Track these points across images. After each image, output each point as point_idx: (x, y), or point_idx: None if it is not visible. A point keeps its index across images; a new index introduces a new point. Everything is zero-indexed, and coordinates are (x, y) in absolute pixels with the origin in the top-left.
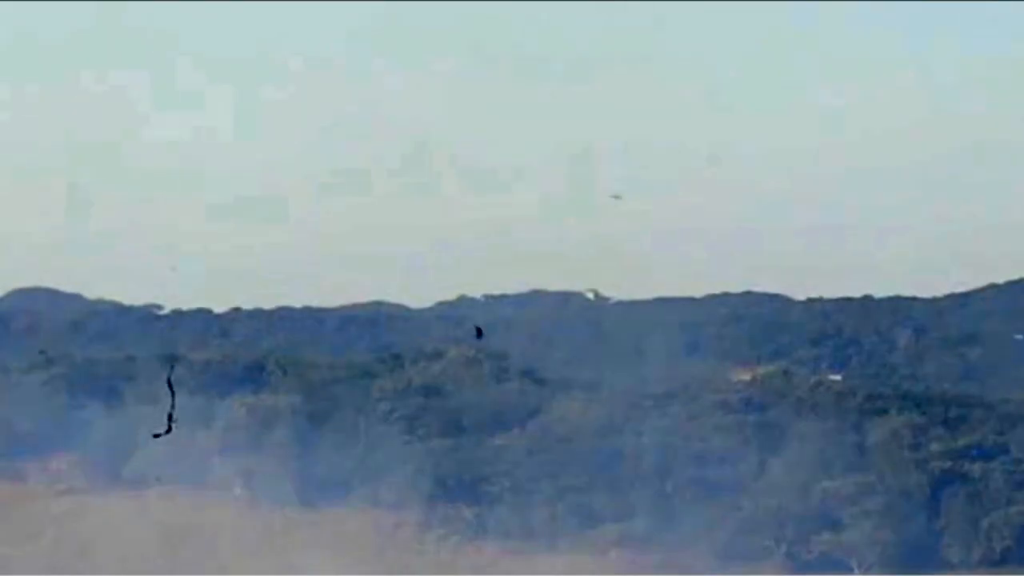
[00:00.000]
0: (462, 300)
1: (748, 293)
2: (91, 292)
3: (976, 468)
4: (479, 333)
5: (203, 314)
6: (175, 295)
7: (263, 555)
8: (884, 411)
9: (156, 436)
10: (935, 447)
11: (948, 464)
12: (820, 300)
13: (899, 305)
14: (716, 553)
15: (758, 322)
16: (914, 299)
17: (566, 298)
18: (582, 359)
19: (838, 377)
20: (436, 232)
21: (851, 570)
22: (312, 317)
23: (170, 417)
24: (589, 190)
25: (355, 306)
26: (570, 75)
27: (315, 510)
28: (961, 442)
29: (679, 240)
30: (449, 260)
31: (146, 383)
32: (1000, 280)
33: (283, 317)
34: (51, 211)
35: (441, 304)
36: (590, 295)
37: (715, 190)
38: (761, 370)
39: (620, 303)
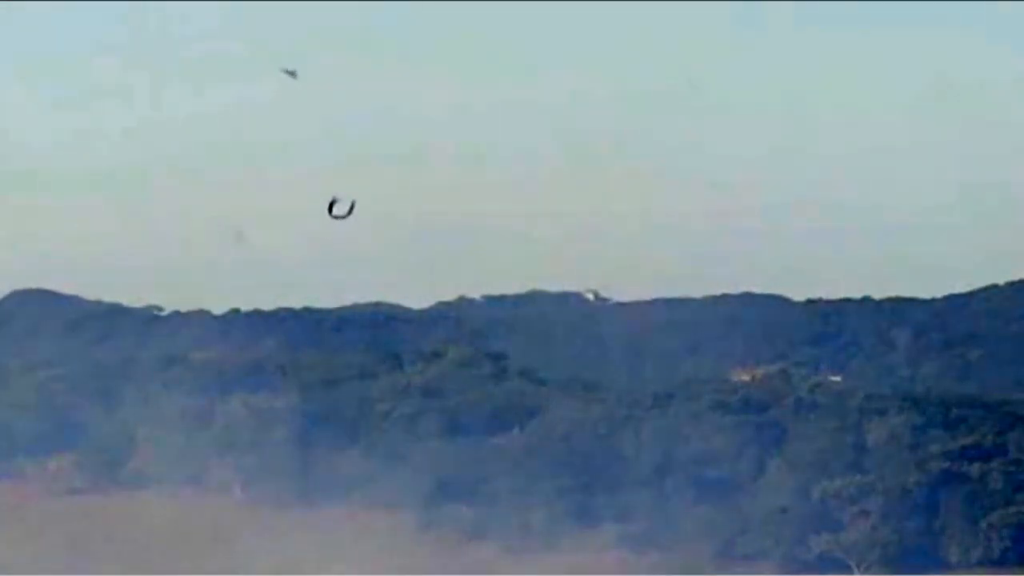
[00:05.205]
0: (462, 300)
1: (747, 294)
2: (91, 293)
3: (975, 468)
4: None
5: (203, 315)
6: (175, 295)
7: (263, 555)
8: (884, 411)
9: None
10: (934, 447)
11: (947, 464)
12: (820, 301)
13: (899, 305)
14: (716, 553)
15: (758, 323)
16: (914, 299)
17: (566, 298)
18: (582, 359)
19: (838, 378)
20: (437, 231)
21: (851, 570)
22: (312, 317)
23: None
24: (588, 189)
25: (355, 306)
26: (570, 75)
27: (315, 510)
28: (960, 442)
29: (679, 240)
30: (449, 260)
31: (145, 383)
32: (1000, 280)
33: (283, 317)
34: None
35: (441, 304)
36: (590, 295)
37: (715, 190)
38: (761, 371)
39: (620, 303)
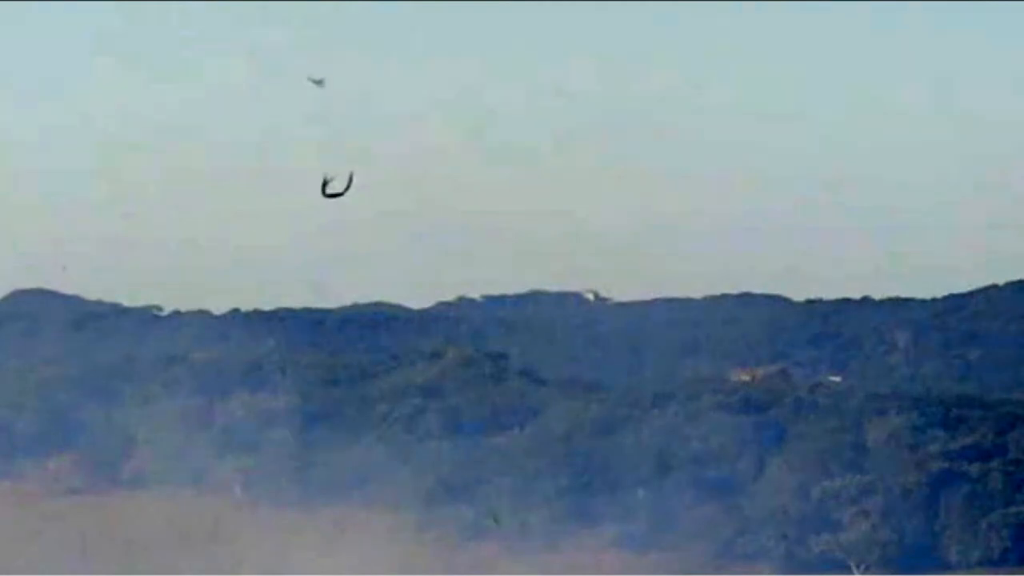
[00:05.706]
0: (462, 300)
1: (747, 294)
2: (91, 293)
3: (975, 468)
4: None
5: (203, 315)
6: (175, 295)
7: (263, 555)
8: (883, 412)
9: None
10: (934, 447)
11: (947, 464)
12: (819, 301)
13: (898, 305)
14: (716, 553)
15: (757, 323)
16: (913, 299)
17: (566, 298)
18: (582, 359)
19: (837, 378)
20: (437, 231)
21: (850, 570)
22: (312, 317)
23: None
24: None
25: (355, 306)
26: (569, 75)
27: (315, 510)
28: (960, 442)
29: (679, 240)
30: (449, 260)
31: (145, 383)
32: (1000, 280)
33: (283, 317)
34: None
35: (441, 304)
36: (590, 295)
37: (715, 190)
38: (760, 371)
39: (620, 303)
